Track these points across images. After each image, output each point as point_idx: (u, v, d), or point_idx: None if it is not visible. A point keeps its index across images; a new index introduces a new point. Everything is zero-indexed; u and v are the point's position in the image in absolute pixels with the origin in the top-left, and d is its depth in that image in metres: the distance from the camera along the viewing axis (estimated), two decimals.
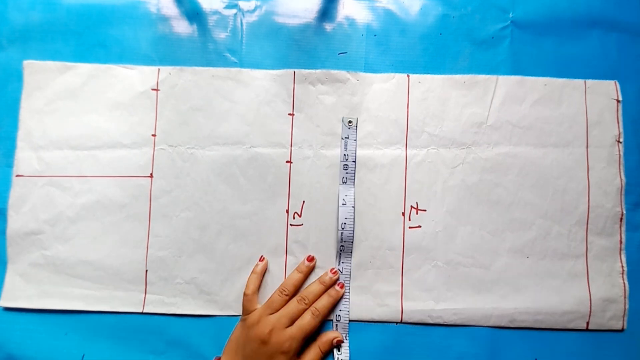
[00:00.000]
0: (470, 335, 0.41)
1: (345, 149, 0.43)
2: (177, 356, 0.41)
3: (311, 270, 0.42)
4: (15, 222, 0.43)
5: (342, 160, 0.43)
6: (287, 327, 0.38)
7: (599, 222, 0.42)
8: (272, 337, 0.37)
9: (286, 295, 0.40)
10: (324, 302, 0.40)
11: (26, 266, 0.42)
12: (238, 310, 0.41)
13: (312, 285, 0.41)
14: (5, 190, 0.43)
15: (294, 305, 0.39)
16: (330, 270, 0.41)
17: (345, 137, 0.43)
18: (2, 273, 0.42)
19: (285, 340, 0.37)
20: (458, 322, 0.41)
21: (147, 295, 0.42)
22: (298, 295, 0.40)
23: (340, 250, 0.42)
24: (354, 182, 0.42)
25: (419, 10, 0.45)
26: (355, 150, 0.43)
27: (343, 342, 0.40)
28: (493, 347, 0.41)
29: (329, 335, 0.40)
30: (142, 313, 0.42)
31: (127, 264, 0.42)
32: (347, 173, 0.42)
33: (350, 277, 0.42)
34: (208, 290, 0.42)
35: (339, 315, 0.41)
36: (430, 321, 0.41)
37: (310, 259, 0.41)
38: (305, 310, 0.39)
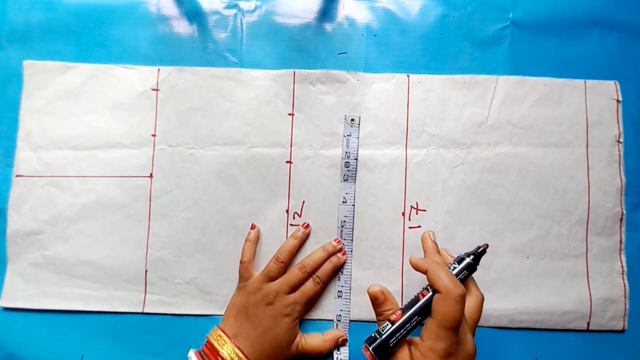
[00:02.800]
0: None
1: (347, 146, 0.43)
2: (177, 356, 0.41)
3: (306, 237, 0.42)
4: (15, 222, 0.43)
5: (344, 157, 0.43)
6: (289, 292, 0.39)
7: (599, 222, 0.42)
8: (277, 300, 0.38)
9: (282, 262, 0.40)
10: (325, 268, 0.41)
11: (26, 266, 0.42)
12: None
13: (314, 253, 0.41)
14: (5, 190, 0.43)
15: (294, 274, 0.40)
16: (334, 240, 0.42)
17: (348, 135, 0.43)
18: (2, 273, 0.42)
19: (289, 304, 0.38)
20: None
21: (147, 295, 0.42)
22: (299, 263, 0.40)
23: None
24: (355, 179, 0.42)
25: (419, 10, 0.45)
26: (358, 148, 0.43)
27: (347, 342, 0.40)
28: (493, 347, 0.41)
29: (335, 333, 0.40)
30: (142, 313, 0.42)
31: (127, 264, 0.42)
32: (348, 170, 0.42)
33: (350, 277, 0.42)
34: (208, 290, 0.42)
35: (340, 315, 0.41)
36: None
37: (306, 226, 0.42)
38: (305, 278, 0.40)
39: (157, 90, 0.44)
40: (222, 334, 0.37)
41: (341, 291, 0.42)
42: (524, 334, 0.41)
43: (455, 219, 0.42)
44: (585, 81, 0.44)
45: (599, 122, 0.43)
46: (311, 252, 0.41)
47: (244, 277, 0.40)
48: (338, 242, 0.41)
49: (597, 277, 0.42)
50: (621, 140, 0.43)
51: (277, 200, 0.43)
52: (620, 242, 0.42)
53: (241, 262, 0.41)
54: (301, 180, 0.43)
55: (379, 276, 0.42)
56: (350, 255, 0.42)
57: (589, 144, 0.43)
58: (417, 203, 0.43)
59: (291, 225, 0.43)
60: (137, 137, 0.43)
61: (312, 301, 0.41)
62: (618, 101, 0.43)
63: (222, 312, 0.42)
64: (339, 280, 0.42)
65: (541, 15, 0.44)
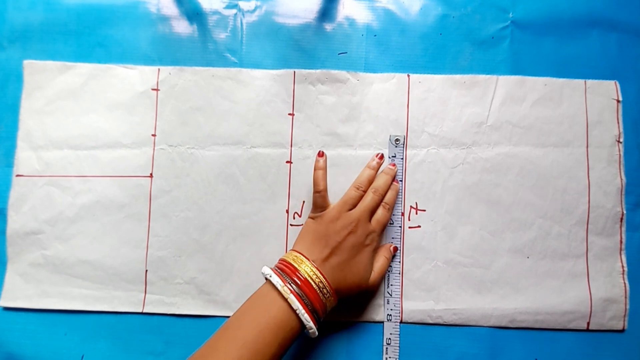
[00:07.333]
0: (470, 335, 0.41)
1: None
2: (177, 356, 0.41)
3: (380, 166, 0.42)
4: (15, 222, 0.43)
5: None
6: (369, 220, 0.39)
7: (599, 222, 0.42)
8: (358, 228, 0.38)
9: (363, 191, 0.40)
10: (390, 196, 0.41)
11: (26, 266, 0.42)
12: None
13: (381, 178, 0.41)
14: (5, 190, 0.43)
15: (370, 198, 0.40)
16: (390, 164, 0.42)
17: (392, 156, 0.43)
18: (2, 273, 0.42)
19: (369, 233, 0.39)
20: (458, 322, 0.41)
21: (146, 295, 0.42)
22: (371, 188, 0.41)
23: None
24: (401, 201, 0.42)
25: (419, 10, 0.45)
26: (404, 169, 0.43)
27: (397, 249, 0.42)
28: (493, 347, 0.41)
29: (386, 246, 0.42)
30: (141, 313, 0.42)
31: (127, 263, 0.42)
32: None
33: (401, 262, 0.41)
34: (208, 290, 0.42)
35: (390, 315, 0.41)
36: (430, 321, 0.41)
37: (380, 157, 0.42)
38: (379, 201, 0.40)
39: (157, 90, 0.44)
40: (299, 254, 0.37)
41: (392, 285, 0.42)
42: (524, 334, 0.41)
43: (455, 219, 0.42)
44: (585, 81, 0.44)
45: (599, 122, 0.43)
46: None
47: (320, 206, 0.40)
48: (394, 165, 0.42)
49: (598, 277, 0.42)
50: (621, 140, 0.43)
51: (277, 200, 0.43)
52: (621, 242, 0.42)
53: (316, 191, 0.40)
54: (301, 180, 0.43)
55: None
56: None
57: (589, 144, 0.43)
58: (416, 203, 0.43)
59: (291, 225, 0.43)
60: (137, 137, 0.43)
61: (383, 230, 0.42)
62: (618, 101, 0.43)
63: (222, 313, 0.42)
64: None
65: (541, 15, 0.44)
